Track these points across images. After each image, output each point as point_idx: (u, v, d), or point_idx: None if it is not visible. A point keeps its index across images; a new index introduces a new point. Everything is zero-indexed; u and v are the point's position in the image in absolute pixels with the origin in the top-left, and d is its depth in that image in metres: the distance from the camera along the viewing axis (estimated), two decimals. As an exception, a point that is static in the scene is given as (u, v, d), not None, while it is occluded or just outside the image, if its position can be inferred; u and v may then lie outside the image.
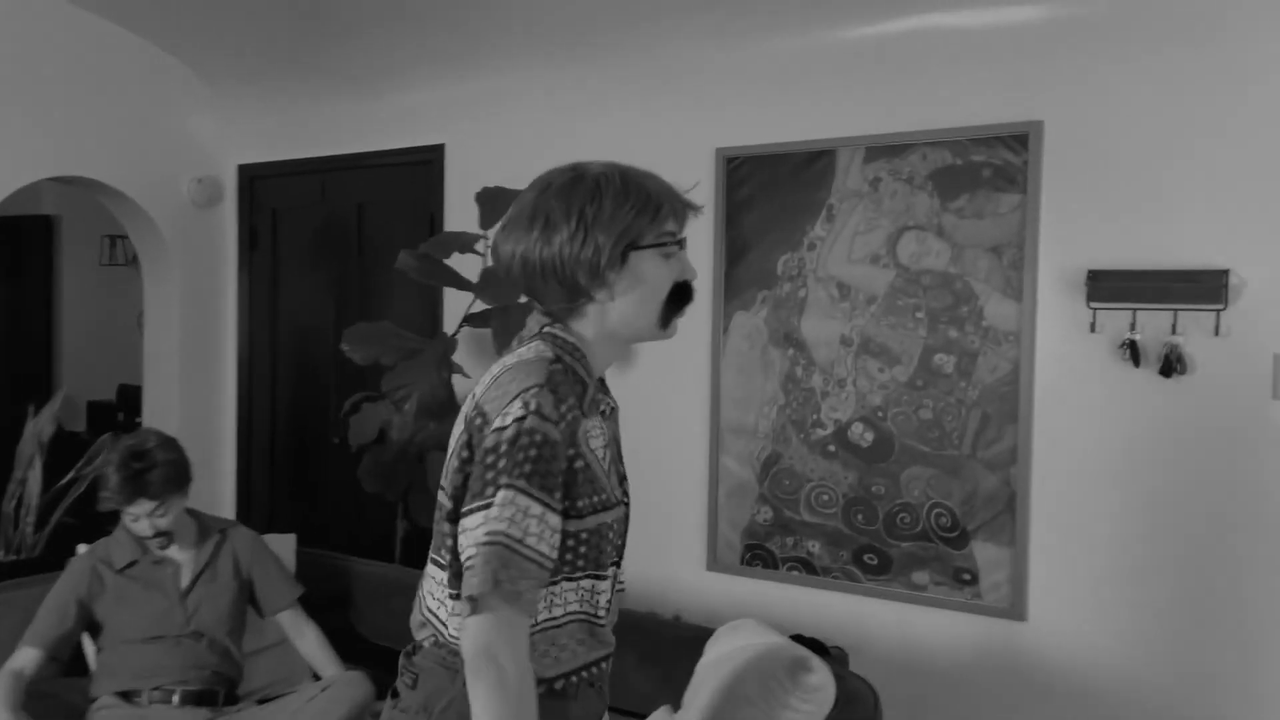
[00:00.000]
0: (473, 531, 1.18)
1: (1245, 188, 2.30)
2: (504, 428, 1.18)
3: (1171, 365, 2.34)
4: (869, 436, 2.76)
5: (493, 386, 1.24)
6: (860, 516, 2.78)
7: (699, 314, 3.00)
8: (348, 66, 3.58)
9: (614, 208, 1.25)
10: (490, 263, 1.44)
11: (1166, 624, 2.40)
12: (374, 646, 2.56)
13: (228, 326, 4.18)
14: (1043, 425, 2.53)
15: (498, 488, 1.17)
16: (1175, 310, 2.35)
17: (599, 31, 3.10)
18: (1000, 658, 2.60)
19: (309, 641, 2.35)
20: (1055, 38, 2.50)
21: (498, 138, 3.40)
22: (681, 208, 1.32)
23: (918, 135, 2.66)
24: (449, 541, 1.25)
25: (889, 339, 2.73)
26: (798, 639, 2.75)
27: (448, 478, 1.27)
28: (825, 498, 2.84)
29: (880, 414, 2.75)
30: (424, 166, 3.53)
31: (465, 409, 1.27)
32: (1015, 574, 2.56)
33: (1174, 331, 2.36)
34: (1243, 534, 2.32)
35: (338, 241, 3.86)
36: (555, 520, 1.19)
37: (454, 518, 1.23)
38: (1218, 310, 2.31)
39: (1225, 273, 2.30)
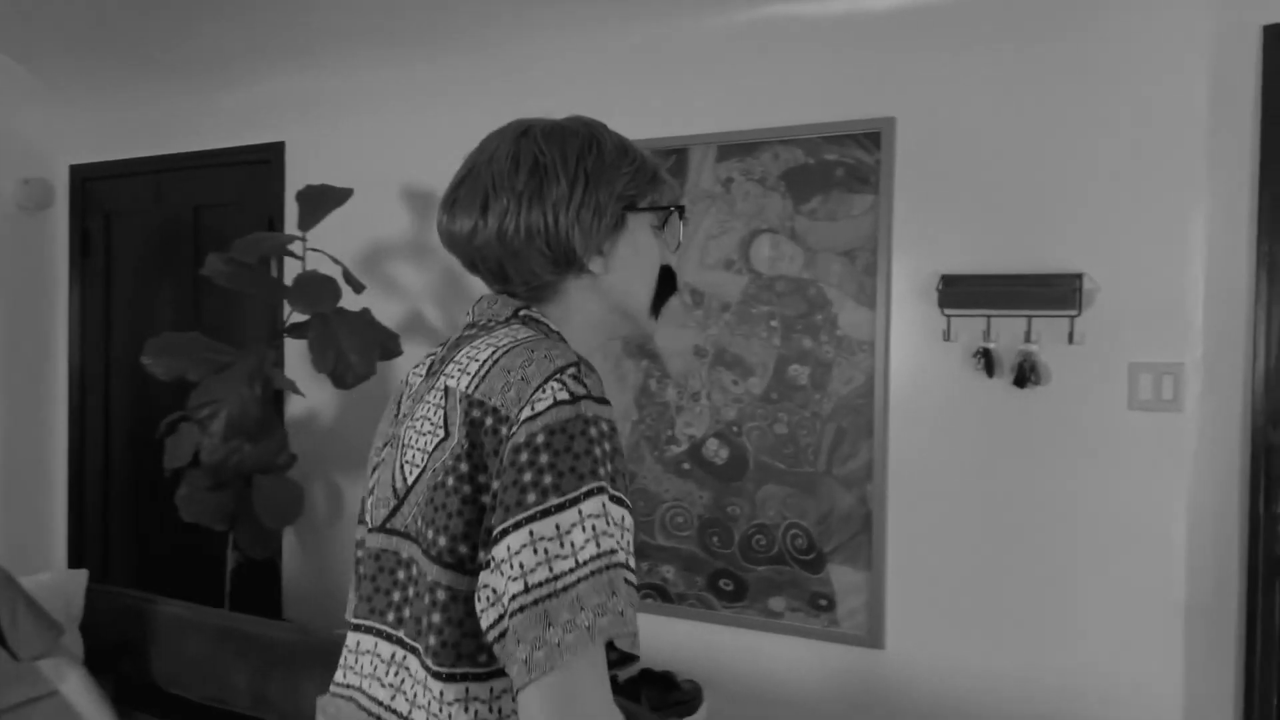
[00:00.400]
0: (542, 545, 0.82)
1: (1100, 188, 2.19)
2: (535, 415, 0.85)
3: (1025, 375, 2.21)
4: (724, 453, 2.59)
5: (492, 375, 0.90)
6: (716, 539, 2.60)
7: (548, 324, 2.79)
8: (184, 58, 3.31)
9: (615, 158, 1.02)
10: (446, 233, 1.06)
11: (1029, 648, 2.26)
12: (165, 695, 2.29)
13: (58, 342, 3.83)
14: (898, 439, 2.38)
15: (577, 491, 0.83)
16: (1029, 317, 2.23)
17: (444, 26, 2.89)
18: (858, 688, 2.43)
19: (71, 690, 2.06)
20: (907, 29, 2.37)
21: (341, 137, 3.16)
22: (666, 185, 1.08)
23: (769, 132, 2.51)
24: (433, 597, 0.89)
25: (743, 349, 2.56)
26: (647, 673, 2.56)
27: (419, 512, 0.91)
28: (680, 519, 2.65)
29: (735, 429, 2.57)
30: (263, 166, 3.27)
31: (439, 414, 0.93)
32: (872, 599, 2.40)
33: (1027, 339, 2.23)
34: (1106, 550, 2.19)
35: (175, 247, 3.56)
36: (632, 525, 0.89)
37: (450, 561, 0.88)
38: (1071, 316, 2.19)
39: (1079, 277, 2.18)
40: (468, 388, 0.91)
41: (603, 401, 0.88)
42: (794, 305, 2.50)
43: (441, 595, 0.87)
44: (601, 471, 0.84)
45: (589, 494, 0.83)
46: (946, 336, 2.31)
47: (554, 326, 1.01)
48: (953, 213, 2.33)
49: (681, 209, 1.09)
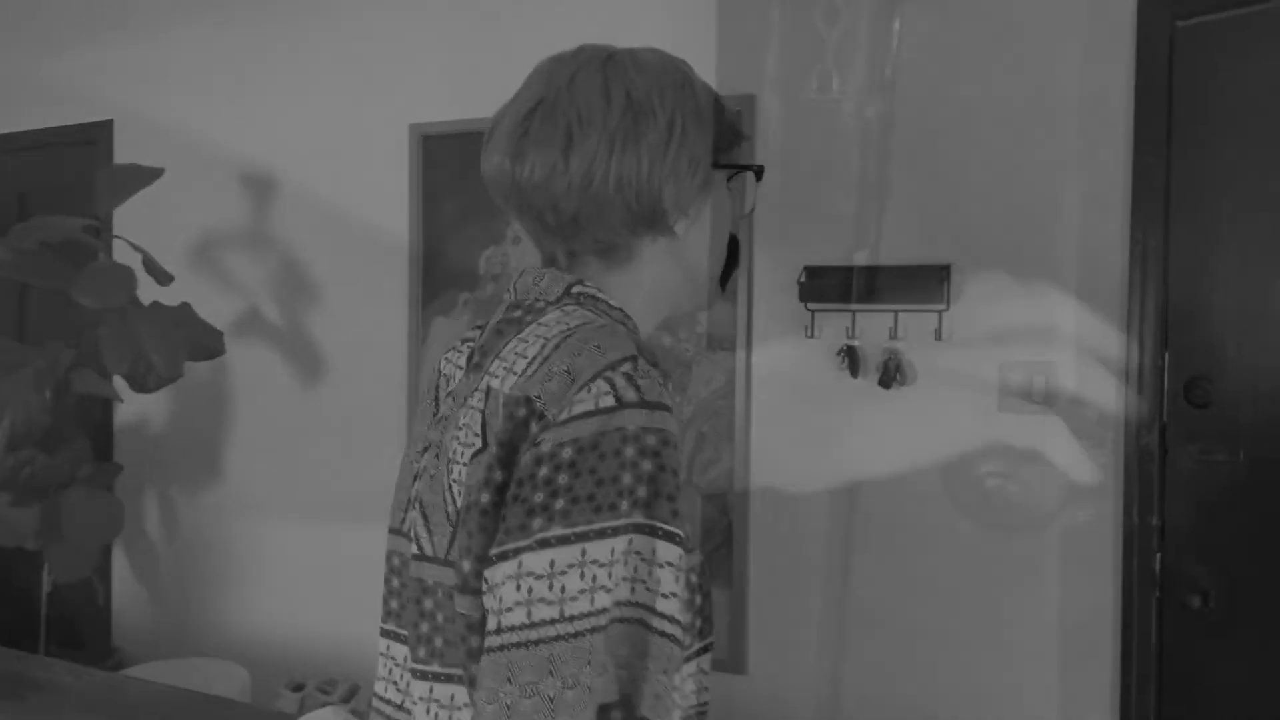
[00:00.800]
0: (527, 583, 0.68)
1: (970, 173, 2.03)
2: (568, 422, 0.70)
3: (891, 375, 2.04)
4: (579, 461, 2.37)
5: (537, 368, 0.75)
6: (572, 555, 2.38)
7: (393, 321, 2.56)
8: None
9: (708, 103, 0.86)
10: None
11: (899, 668, 2.09)
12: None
13: (-128, 340, 3.47)
14: (760, 445, 2.20)
15: (588, 526, 0.68)
16: (895, 312, 2.06)
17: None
18: (719, 717, 2.24)
19: None
20: None
21: (173, 114, 2.88)
22: (745, 142, 0.92)
23: (625, 111, 2.30)
24: (468, 643, 0.75)
25: (600, 348, 2.35)
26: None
27: (463, 530, 0.75)
28: (535, 534, 2.43)
29: (591, 435, 2.36)
30: (89, 148, 2.97)
31: (478, 419, 0.76)
32: (735, 620, 2.21)
33: (893, 336, 2.06)
34: (979, 563, 2.03)
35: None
36: (684, 562, 0.71)
37: (475, 586, 0.74)
38: (939, 311, 2.02)
39: (946, 268, 2.01)
40: (513, 388, 0.75)
41: (657, 407, 0.71)
42: (652, 300, 2.29)
43: (475, 640, 0.74)
44: (624, 505, 0.68)
45: (601, 533, 0.68)
46: (810, 333, 2.13)
47: (614, 303, 0.85)
48: (817, 198, 2.15)
49: (760, 170, 0.94)
